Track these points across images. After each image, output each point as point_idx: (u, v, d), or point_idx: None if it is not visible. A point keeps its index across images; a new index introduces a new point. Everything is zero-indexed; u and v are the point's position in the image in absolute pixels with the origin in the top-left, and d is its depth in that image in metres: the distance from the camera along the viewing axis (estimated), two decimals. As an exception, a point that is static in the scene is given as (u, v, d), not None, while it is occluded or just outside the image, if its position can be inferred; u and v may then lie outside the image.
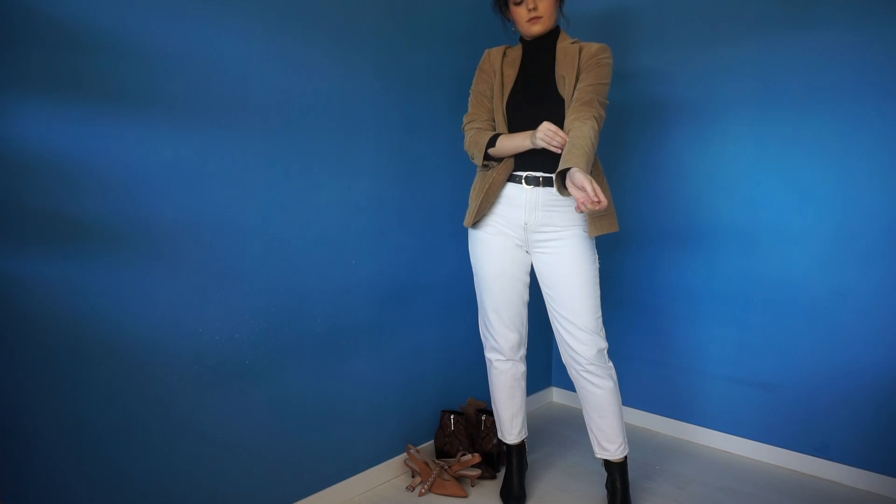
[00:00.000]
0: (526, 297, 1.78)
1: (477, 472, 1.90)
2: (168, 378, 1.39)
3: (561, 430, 2.38)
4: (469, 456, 1.90)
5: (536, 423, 2.43)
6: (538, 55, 1.71)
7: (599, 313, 1.68)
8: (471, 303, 2.22)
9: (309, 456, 1.72)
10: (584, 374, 1.68)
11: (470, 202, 1.75)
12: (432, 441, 2.12)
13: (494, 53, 1.74)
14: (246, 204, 1.51)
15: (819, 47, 1.89)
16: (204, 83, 1.41)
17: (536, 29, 1.64)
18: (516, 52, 1.74)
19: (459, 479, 1.94)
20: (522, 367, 1.84)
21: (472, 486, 1.94)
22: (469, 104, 1.76)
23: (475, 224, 1.74)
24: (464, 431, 2.03)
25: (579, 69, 1.63)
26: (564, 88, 1.62)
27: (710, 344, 2.21)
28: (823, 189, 1.92)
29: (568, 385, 2.67)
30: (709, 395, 2.23)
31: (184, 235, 1.40)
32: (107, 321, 1.28)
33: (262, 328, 1.57)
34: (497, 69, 1.71)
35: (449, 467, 1.90)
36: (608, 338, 2.48)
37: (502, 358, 1.80)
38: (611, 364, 1.70)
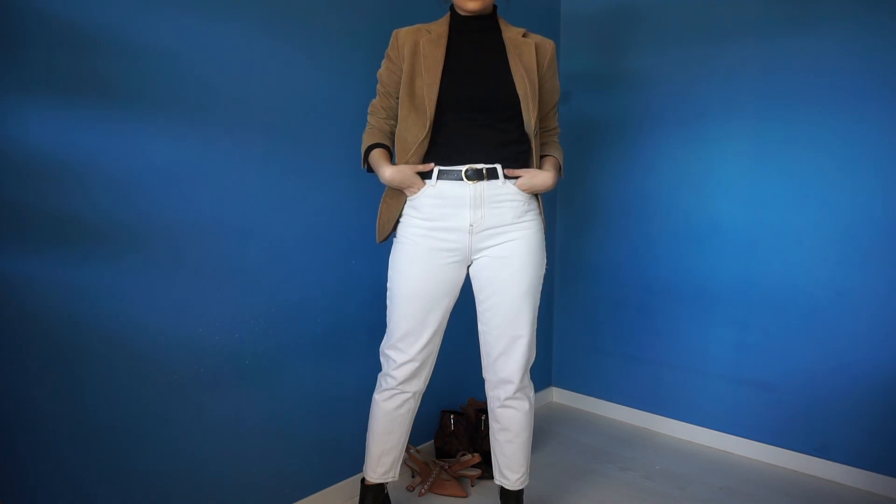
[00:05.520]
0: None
1: (477, 472, 1.90)
2: (168, 378, 1.39)
3: (561, 430, 2.38)
4: (469, 456, 1.90)
5: (536, 423, 2.43)
6: (474, 39, 1.45)
7: (536, 325, 1.53)
8: (470, 302, 2.22)
9: (309, 456, 1.72)
10: (516, 395, 1.52)
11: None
12: (432, 441, 2.12)
13: (404, 36, 1.44)
14: (246, 204, 1.51)
15: (819, 47, 1.89)
16: (204, 83, 1.41)
17: (473, 5, 1.40)
18: (439, 29, 1.44)
19: (459, 479, 1.94)
20: (412, 403, 1.56)
21: (472, 486, 1.94)
22: (377, 89, 1.53)
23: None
24: (464, 431, 2.03)
25: (541, 74, 1.46)
26: (527, 91, 1.40)
27: (710, 344, 2.21)
28: (824, 189, 1.92)
29: (568, 385, 2.67)
30: (709, 395, 2.23)
31: (184, 235, 1.40)
32: (107, 321, 1.28)
33: (262, 328, 1.57)
34: (407, 56, 1.41)
35: (449, 467, 1.90)
36: (609, 337, 2.51)
37: (393, 385, 1.52)
38: (532, 383, 1.57)
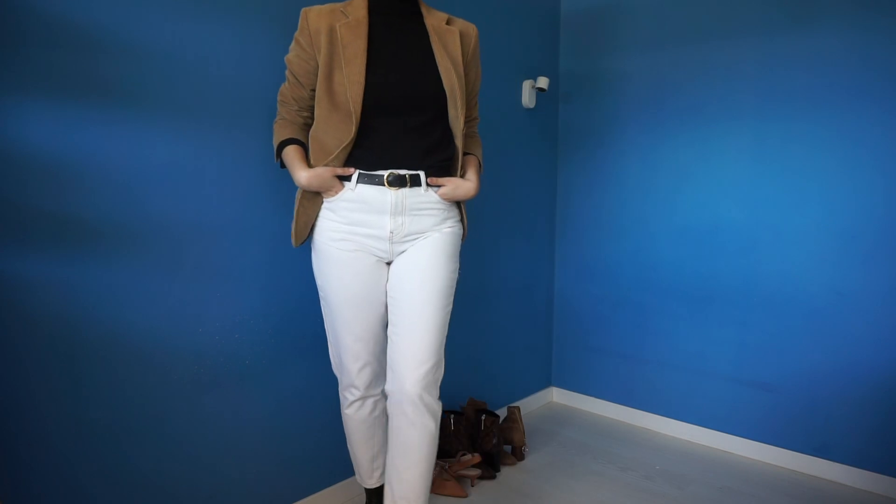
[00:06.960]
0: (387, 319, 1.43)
1: (477, 472, 1.90)
2: (168, 378, 1.39)
3: (561, 430, 2.38)
4: (469, 456, 1.90)
5: (536, 423, 2.43)
6: (396, 25, 1.33)
7: (444, 334, 1.39)
8: (470, 303, 2.22)
9: (309, 456, 1.72)
10: (407, 408, 1.32)
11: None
12: (432, 441, 2.12)
13: (316, 18, 1.29)
14: (246, 204, 1.51)
15: (819, 46, 1.89)
16: (203, 83, 1.41)
17: None
18: (357, 13, 1.30)
19: (459, 479, 1.94)
20: (383, 404, 1.50)
21: (472, 486, 1.94)
22: (286, 75, 1.39)
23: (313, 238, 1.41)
24: (464, 431, 2.03)
25: (465, 63, 1.39)
26: (454, 86, 1.32)
27: (710, 344, 2.21)
28: (825, 188, 1.92)
29: (568, 385, 2.67)
30: (709, 395, 2.23)
31: (183, 235, 1.40)
32: (106, 321, 1.28)
33: (262, 328, 1.57)
34: (323, 45, 1.27)
35: (449, 467, 1.90)
36: (609, 337, 2.51)
37: (359, 395, 1.46)
38: (440, 401, 1.40)
